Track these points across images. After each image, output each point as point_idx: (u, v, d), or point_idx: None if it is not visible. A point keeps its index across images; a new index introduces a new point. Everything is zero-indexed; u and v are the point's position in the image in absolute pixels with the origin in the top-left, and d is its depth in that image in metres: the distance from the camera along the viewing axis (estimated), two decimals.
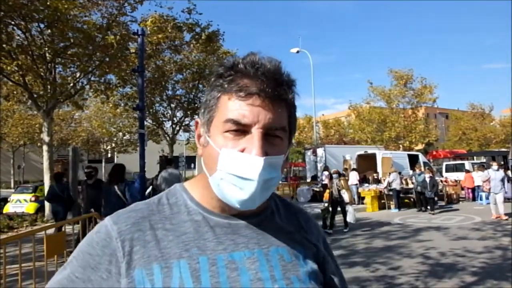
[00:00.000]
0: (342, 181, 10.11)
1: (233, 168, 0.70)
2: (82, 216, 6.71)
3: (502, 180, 11.38)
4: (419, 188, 13.82)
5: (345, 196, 10.06)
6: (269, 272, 0.74)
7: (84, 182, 8.06)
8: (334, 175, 10.16)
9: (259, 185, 0.69)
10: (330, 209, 9.94)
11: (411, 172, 16.81)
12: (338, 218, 10.18)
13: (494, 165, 11.87)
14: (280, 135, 0.74)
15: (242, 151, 0.70)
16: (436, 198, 14.07)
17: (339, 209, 10.04)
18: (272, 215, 0.86)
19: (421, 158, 21.40)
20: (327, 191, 10.14)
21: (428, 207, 13.34)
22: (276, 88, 0.72)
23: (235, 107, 0.72)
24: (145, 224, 0.75)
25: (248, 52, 0.77)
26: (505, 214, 11.09)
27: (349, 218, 9.85)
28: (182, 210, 0.79)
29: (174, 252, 0.72)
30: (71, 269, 0.74)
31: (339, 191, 9.84)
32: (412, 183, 14.79)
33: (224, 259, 0.73)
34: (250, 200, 0.71)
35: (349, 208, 9.94)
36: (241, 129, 0.71)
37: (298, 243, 0.84)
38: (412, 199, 14.87)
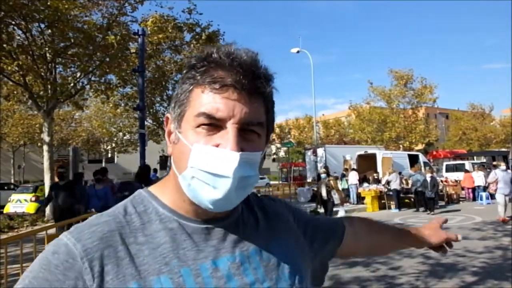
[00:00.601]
0: (332, 181, 9.69)
1: (206, 165, 0.64)
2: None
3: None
4: (414, 188, 13.88)
5: (335, 197, 9.60)
6: (253, 275, 0.71)
7: (54, 185, 7.44)
8: (322, 175, 9.73)
9: (234, 183, 0.63)
10: (323, 210, 9.60)
11: (411, 172, 16.84)
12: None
13: (502, 166, 11.45)
14: (257, 130, 0.69)
15: (216, 147, 0.65)
16: (435, 198, 14.07)
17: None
18: (246, 214, 0.80)
19: (421, 158, 21.41)
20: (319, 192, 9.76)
21: (428, 208, 13.34)
22: (253, 80, 0.67)
23: (208, 100, 0.66)
24: (115, 239, 0.66)
25: (225, 43, 0.72)
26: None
27: None
28: (153, 219, 0.70)
29: (152, 268, 0.65)
30: None
31: (328, 191, 9.42)
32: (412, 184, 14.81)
33: (208, 268, 0.68)
34: (224, 200, 0.65)
35: (340, 210, 9.54)
36: (215, 124, 0.66)
37: (276, 237, 0.80)
38: (412, 199, 14.87)
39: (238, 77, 0.65)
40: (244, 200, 0.75)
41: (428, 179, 13.48)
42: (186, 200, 0.70)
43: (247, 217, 0.80)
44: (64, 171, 7.49)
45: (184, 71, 0.72)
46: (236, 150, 0.64)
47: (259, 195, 0.90)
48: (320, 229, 0.94)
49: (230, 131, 0.65)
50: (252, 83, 0.67)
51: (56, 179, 7.36)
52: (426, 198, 13.52)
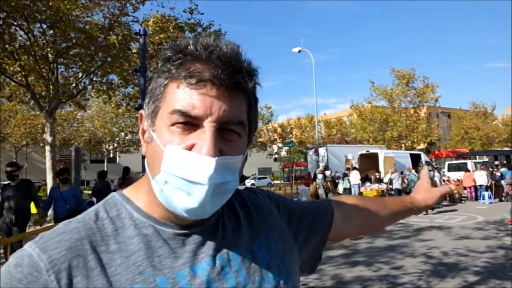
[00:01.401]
0: (328, 183, 9.11)
1: (179, 170, 0.59)
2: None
3: None
4: (409, 188, 13.97)
5: None
6: (235, 278, 0.67)
7: (4, 186, 6.57)
8: (319, 175, 9.01)
9: (210, 190, 0.58)
10: None
11: (406, 172, 16.88)
12: None
13: None
14: (237, 130, 0.63)
15: (191, 147, 0.60)
16: None
17: None
18: (227, 215, 0.75)
19: (423, 157, 21.38)
20: (312, 194, 8.81)
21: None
22: (233, 75, 0.61)
23: (184, 96, 0.60)
24: (84, 248, 0.61)
25: (205, 33, 0.66)
26: None
27: None
28: (127, 224, 0.65)
29: (125, 278, 0.60)
30: None
31: (326, 193, 8.74)
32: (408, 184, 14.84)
33: (185, 275, 0.63)
34: (199, 208, 0.60)
35: None
36: (191, 122, 0.60)
37: (260, 235, 0.75)
38: None
39: (217, 72, 0.60)
40: (232, 198, 0.70)
41: None
42: (161, 205, 0.64)
43: (227, 218, 0.75)
44: (13, 170, 6.30)
45: (160, 64, 0.66)
46: (213, 152, 0.58)
47: (240, 189, 0.84)
48: (306, 216, 0.87)
49: (207, 131, 0.59)
50: (232, 78, 0.61)
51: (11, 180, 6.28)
52: None
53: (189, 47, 0.62)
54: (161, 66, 0.65)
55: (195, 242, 0.67)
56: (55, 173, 12.22)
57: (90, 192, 19.85)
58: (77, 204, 7.00)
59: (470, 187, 16.93)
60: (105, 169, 35.90)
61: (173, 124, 0.61)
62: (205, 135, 0.59)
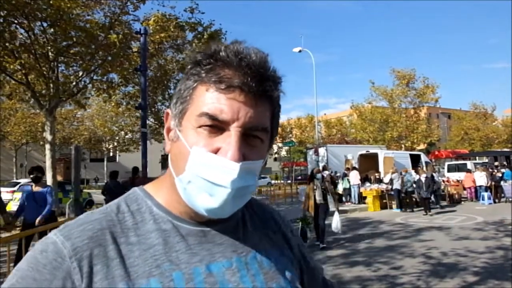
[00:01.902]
0: (326, 183, 8.55)
1: (203, 172, 0.61)
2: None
3: None
4: (404, 188, 14.00)
5: (331, 202, 8.44)
6: (252, 282, 0.67)
7: None
8: (318, 175, 8.33)
9: (231, 193, 0.60)
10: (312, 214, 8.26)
11: (413, 172, 16.86)
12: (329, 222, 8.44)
13: None
14: (260, 136, 0.65)
15: (217, 150, 0.62)
16: (432, 199, 14.07)
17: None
18: (247, 218, 0.77)
19: (423, 158, 21.37)
20: (309, 196, 8.25)
21: (424, 209, 13.37)
22: (261, 83, 0.63)
23: (212, 100, 0.62)
24: (105, 238, 0.63)
25: (232, 40, 0.67)
26: None
27: (334, 227, 8.21)
28: (147, 218, 0.68)
29: (142, 270, 0.62)
30: None
31: (324, 194, 8.19)
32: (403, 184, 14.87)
33: (201, 272, 0.64)
34: (219, 209, 0.62)
35: (335, 215, 8.35)
36: (217, 126, 0.62)
37: (276, 246, 0.77)
38: (414, 199, 14.88)
39: (246, 79, 0.62)
40: (253, 204, 0.73)
41: (423, 179, 13.45)
42: (182, 202, 0.67)
43: (248, 221, 0.76)
44: None
45: (189, 67, 0.68)
46: (238, 157, 0.60)
47: (261, 199, 0.86)
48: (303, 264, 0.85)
49: (232, 135, 0.61)
50: (260, 86, 0.63)
51: None
52: (421, 198, 13.53)
53: (220, 53, 0.64)
54: (191, 69, 0.67)
55: (213, 241, 0.69)
56: (56, 172, 12.20)
57: (89, 191, 19.89)
58: (48, 208, 6.15)
59: (470, 188, 16.95)
60: (105, 168, 35.96)
61: (200, 126, 0.63)
62: (230, 139, 0.61)
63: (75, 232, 0.63)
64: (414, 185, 14.12)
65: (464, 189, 17.45)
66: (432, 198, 14.33)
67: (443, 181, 17.10)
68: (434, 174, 15.06)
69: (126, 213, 0.68)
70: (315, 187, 8.17)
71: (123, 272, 0.61)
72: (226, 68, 0.63)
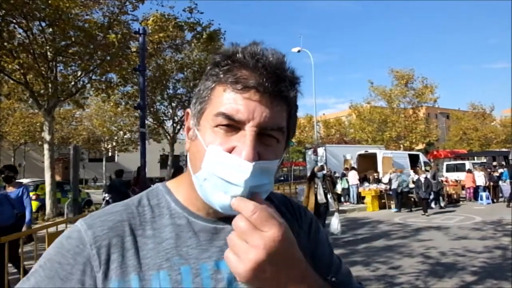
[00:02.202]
0: (327, 183, 8.34)
1: (218, 170, 0.62)
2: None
3: None
4: (400, 189, 14.05)
5: (331, 202, 8.28)
6: None
7: None
8: (319, 173, 8.13)
9: (245, 192, 0.61)
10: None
11: (411, 172, 16.88)
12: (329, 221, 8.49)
13: None
14: (276, 136, 0.66)
15: (232, 149, 0.63)
16: (430, 199, 14.09)
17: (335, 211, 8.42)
18: None
19: (422, 158, 21.41)
20: (309, 195, 8.05)
21: (422, 209, 13.40)
22: (277, 83, 0.64)
23: (229, 100, 0.64)
24: (124, 229, 0.67)
25: (251, 41, 0.69)
26: None
27: (334, 228, 8.08)
28: (164, 213, 0.71)
29: (153, 262, 0.66)
30: (35, 280, 0.64)
31: (325, 194, 8.03)
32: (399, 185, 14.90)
33: (209, 269, 0.67)
34: None
35: (335, 216, 8.22)
36: (233, 125, 0.64)
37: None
38: (412, 199, 14.90)
39: (262, 79, 0.63)
40: (268, 200, 0.69)
41: (422, 179, 13.47)
42: (199, 199, 0.69)
43: None
44: None
45: (208, 68, 0.70)
46: (252, 156, 0.61)
47: (290, 199, 0.86)
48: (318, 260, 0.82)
49: (247, 135, 0.63)
50: (275, 86, 0.64)
51: None
52: (420, 199, 13.57)
53: (237, 55, 0.65)
54: (210, 70, 0.69)
55: (224, 238, 0.68)
56: (55, 172, 12.20)
57: (87, 191, 19.85)
58: (22, 208, 5.57)
59: (469, 188, 16.97)
60: (104, 168, 35.90)
61: (216, 126, 0.65)
62: (245, 139, 0.63)
63: (97, 221, 0.68)
64: (413, 185, 14.14)
65: (463, 189, 17.47)
66: (433, 196, 14.38)
67: (441, 181, 17.11)
68: (436, 174, 15.10)
69: (146, 206, 0.72)
70: (316, 186, 8.06)
71: (136, 263, 0.65)
72: (243, 69, 0.65)
